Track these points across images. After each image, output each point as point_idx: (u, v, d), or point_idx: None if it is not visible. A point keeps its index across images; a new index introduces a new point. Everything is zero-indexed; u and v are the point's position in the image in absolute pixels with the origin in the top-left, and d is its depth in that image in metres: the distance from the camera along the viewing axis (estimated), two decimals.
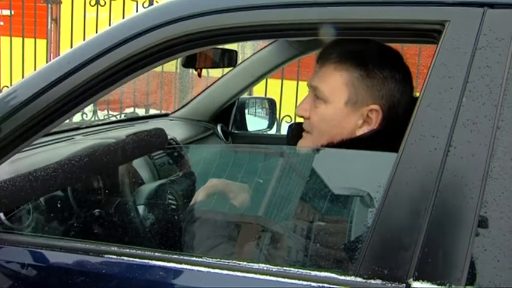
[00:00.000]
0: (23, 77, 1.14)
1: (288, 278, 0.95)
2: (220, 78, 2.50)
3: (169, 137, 1.91)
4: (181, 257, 1.05)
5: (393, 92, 1.27)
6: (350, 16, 1.01)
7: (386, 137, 1.22)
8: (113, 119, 4.86)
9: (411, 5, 0.97)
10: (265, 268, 0.97)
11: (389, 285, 0.89)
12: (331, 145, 1.28)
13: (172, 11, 1.10)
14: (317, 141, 1.32)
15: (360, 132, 1.28)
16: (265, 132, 2.69)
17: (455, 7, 0.94)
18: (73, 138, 1.82)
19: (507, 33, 0.91)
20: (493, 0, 0.93)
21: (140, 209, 1.41)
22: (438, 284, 0.86)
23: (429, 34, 0.98)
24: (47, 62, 1.22)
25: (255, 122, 2.68)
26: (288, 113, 4.98)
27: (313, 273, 0.95)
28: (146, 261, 1.03)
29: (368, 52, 1.28)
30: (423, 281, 0.87)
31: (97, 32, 1.18)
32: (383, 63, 1.27)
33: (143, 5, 5.21)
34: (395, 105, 1.27)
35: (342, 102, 1.28)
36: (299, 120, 1.42)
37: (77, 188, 1.38)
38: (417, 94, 1.01)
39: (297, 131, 1.41)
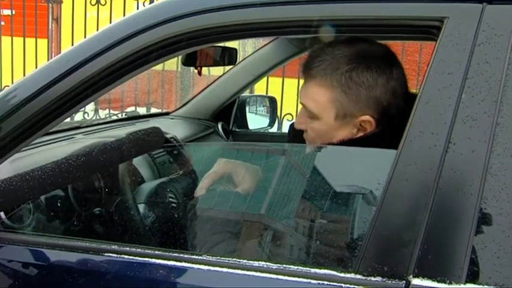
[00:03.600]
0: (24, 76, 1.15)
1: (288, 275, 0.94)
2: (220, 77, 2.50)
3: (169, 136, 1.91)
4: (182, 255, 1.05)
5: (381, 97, 1.25)
6: (349, 13, 1.01)
7: (384, 137, 1.22)
8: (115, 117, 4.87)
9: (410, 1, 0.97)
10: (265, 266, 0.97)
11: (389, 282, 0.89)
12: None
13: (172, 9, 1.10)
14: None
15: None
16: (266, 131, 2.69)
17: (454, 3, 0.94)
18: (73, 137, 1.82)
19: (506, 29, 0.90)
20: None
21: (141, 207, 1.41)
22: (438, 281, 0.86)
23: (428, 31, 0.97)
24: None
25: (256, 120, 2.68)
26: (289, 111, 4.98)
27: (313, 270, 0.94)
28: (146, 259, 1.03)
29: (348, 64, 1.25)
30: (423, 278, 0.87)
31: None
32: (365, 72, 1.24)
33: (143, 3, 5.22)
34: (386, 109, 1.26)
35: (332, 118, 1.27)
36: None
37: (78, 186, 1.38)
38: (417, 91, 1.01)
39: (298, 130, 1.41)
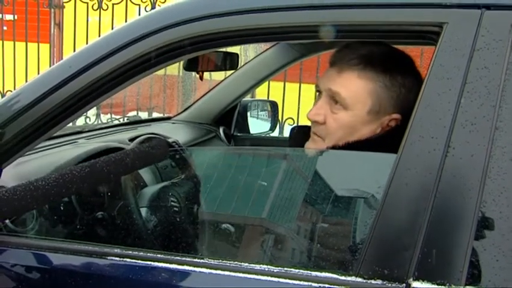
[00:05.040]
0: (26, 81, 1.16)
1: (289, 278, 0.95)
2: (222, 81, 2.50)
3: (171, 140, 1.92)
4: (183, 258, 1.05)
5: (412, 101, 1.21)
6: (349, 18, 1.02)
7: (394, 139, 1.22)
8: (116, 122, 4.88)
9: (410, 7, 0.98)
10: (266, 269, 0.97)
11: (389, 285, 0.89)
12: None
13: (174, 14, 1.11)
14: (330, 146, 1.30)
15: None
16: (267, 135, 2.69)
17: (453, 9, 0.95)
18: (75, 142, 1.83)
19: (504, 35, 0.91)
20: (490, 2, 0.93)
21: (143, 211, 1.41)
22: (438, 284, 0.87)
23: (427, 36, 0.98)
24: (50, 67, 1.24)
25: (257, 125, 2.68)
26: (290, 115, 4.98)
27: (314, 273, 0.95)
28: (148, 262, 1.04)
29: (392, 60, 1.26)
30: (423, 280, 0.88)
31: (99, 36, 1.19)
32: (406, 73, 1.26)
33: (145, 8, 5.24)
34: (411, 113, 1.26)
35: (365, 111, 1.25)
36: (302, 122, 1.41)
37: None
38: None
39: (299, 133, 1.41)
